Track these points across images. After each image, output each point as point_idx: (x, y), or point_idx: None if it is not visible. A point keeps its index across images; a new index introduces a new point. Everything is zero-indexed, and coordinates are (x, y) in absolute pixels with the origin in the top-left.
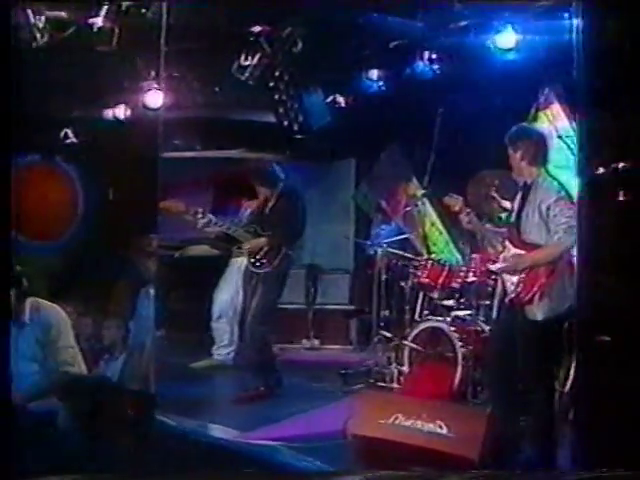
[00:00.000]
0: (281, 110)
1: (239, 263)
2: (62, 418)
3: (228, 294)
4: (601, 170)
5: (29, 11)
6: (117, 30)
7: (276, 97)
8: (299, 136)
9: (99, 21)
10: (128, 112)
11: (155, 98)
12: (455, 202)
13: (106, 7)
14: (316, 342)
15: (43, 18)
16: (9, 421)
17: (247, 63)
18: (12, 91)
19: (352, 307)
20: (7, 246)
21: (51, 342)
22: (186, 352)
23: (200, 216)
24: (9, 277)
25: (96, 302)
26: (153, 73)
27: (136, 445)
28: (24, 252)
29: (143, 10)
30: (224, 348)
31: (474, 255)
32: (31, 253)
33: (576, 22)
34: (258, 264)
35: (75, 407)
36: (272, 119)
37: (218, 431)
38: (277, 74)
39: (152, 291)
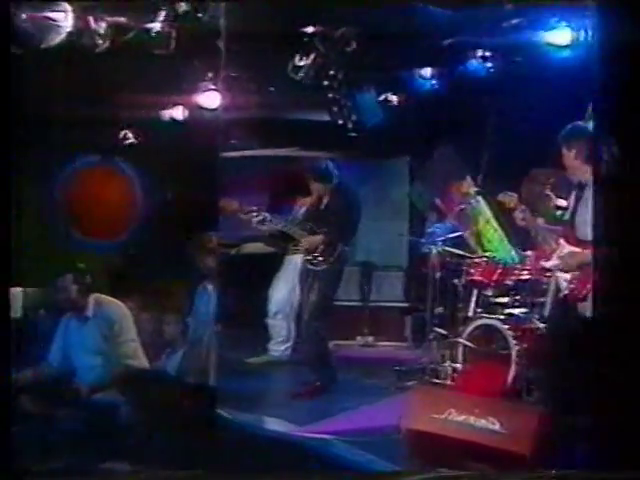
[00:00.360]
0: (335, 109)
1: (295, 260)
2: (124, 410)
3: (285, 291)
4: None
5: (90, 18)
6: (175, 33)
7: (330, 96)
8: (353, 134)
9: (157, 25)
10: (186, 113)
11: (213, 99)
12: (510, 199)
13: (164, 12)
14: (371, 339)
15: (104, 24)
16: (8, 421)
17: (302, 63)
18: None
19: (406, 304)
20: (7, 246)
21: (114, 336)
22: (243, 348)
23: (255, 214)
24: (9, 277)
25: (156, 298)
26: (210, 74)
27: (195, 438)
28: (86, 250)
29: (200, 14)
30: (281, 344)
31: (528, 253)
32: (93, 251)
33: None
34: (314, 261)
35: (136, 399)
36: (326, 118)
37: (274, 424)
38: (331, 73)
39: (210, 287)
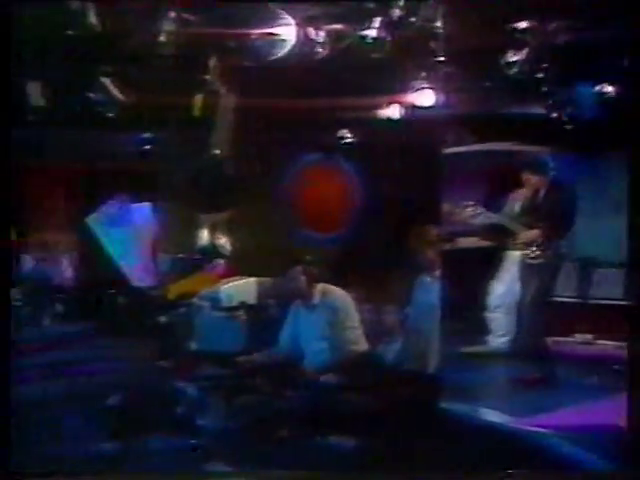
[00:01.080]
0: (550, 102)
1: (513, 254)
2: (346, 393)
3: (504, 285)
4: None
5: (310, 29)
6: (390, 37)
7: (544, 90)
8: (568, 127)
9: (373, 32)
10: (402, 112)
11: (428, 97)
12: None
13: (379, 18)
14: (589, 336)
15: (323, 33)
16: (7, 420)
17: (514, 58)
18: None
19: (627, 302)
20: (7, 245)
21: (338, 323)
22: (463, 340)
23: (471, 208)
24: (9, 276)
25: (376, 288)
26: (425, 74)
27: (414, 424)
28: (312, 244)
29: (413, 18)
30: (500, 337)
31: None
32: (318, 245)
33: None
34: (532, 255)
35: (358, 384)
36: (541, 111)
37: (492, 415)
38: (544, 67)
39: (429, 279)
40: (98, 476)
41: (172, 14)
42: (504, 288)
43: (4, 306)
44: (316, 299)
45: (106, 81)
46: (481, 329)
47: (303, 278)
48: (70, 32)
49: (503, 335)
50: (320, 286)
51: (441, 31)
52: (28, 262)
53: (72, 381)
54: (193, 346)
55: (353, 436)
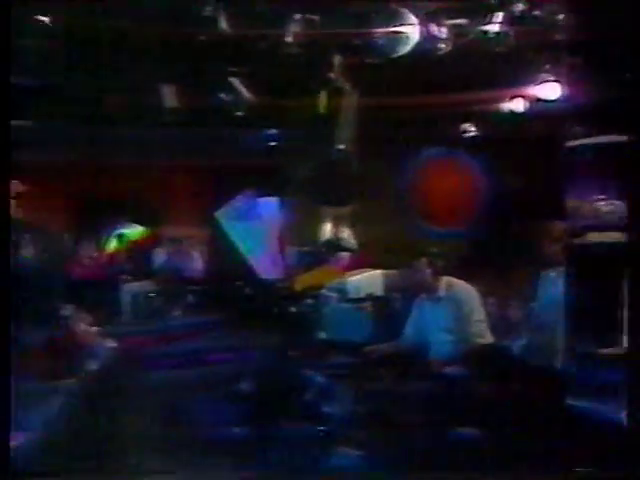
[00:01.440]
0: None
1: None
2: (472, 385)
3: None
4: None
5: (432, 25)
6: (512, 31)
7: None
8: None
9: (495, 26)
10: (526, 105)
11: (552, 90)
12: None
13: (501, 13)
14: None
15: (445, 29)
16: (7, 420)
17: None
18: None
19: None
20: (7, 245)
21: (463, 316)
22: (592, 338)
23: (603, 203)
24: (9, 275)
25: (501, 283)
26: (548, 67)
27: (541, 420)
28: (436, 237)
29: (536, 12)
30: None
31: None
32: (442, 238)
33: None
34: None
35: (484, 377)
36: None
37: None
38: None
39: (555, 275)
40: (99, 476)
41: (297, 15)
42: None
43: (4, 305)
44: (441, 292)
45: (235, 81)
46: (612, 327)
47: (428, 271)
48: (203, 36)
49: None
50: (445, 279)
51: (564, 23)
52: (161, 255)
53: (203, 370)
54: (320, 336)
55: (475, 429)
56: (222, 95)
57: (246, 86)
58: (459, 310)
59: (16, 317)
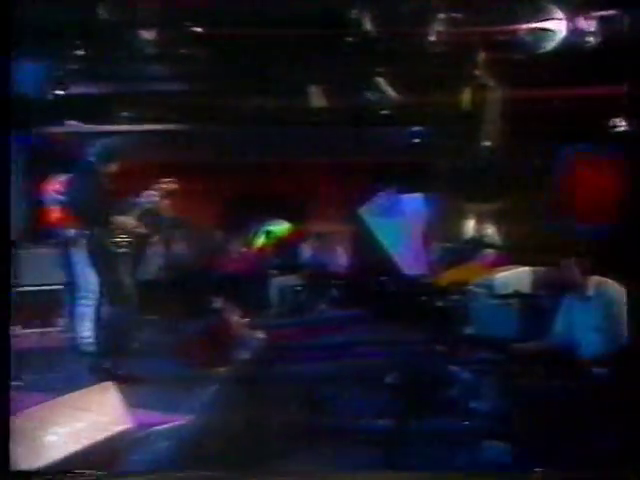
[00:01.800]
0: None
1: None
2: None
3: None
4: None
5: (580, 18)
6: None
7: None
8: None
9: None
10: None
11: None
12: None
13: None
14: None
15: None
16: (7, 420)
17: None
18: None
19: None
20: (6, 245)
21: (614, 316)
22: None
23: None
24: (9, 274)
25: None
26: None
27: None
28: (583, 235)
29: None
30: None
31: None
32: (589, 235)
33: None
34: None
35: (633, 376)
36: None
37: None
38: None
39: None
40: (101, 476)
41: (441, 13)
42: None
43: (4, 304)
44: (590, 291)
45: (381, 80)
46: None
47: (577, 270)
48: (349, 37)
49: None
50: (594, 278)
51: None
52: (307, 251)
53: (348, 363)
54: (467, 331)
55: (622, 430)
56: (368, 94)
57: (392, 85)
58: (610, 310)
59: (176, 308)
